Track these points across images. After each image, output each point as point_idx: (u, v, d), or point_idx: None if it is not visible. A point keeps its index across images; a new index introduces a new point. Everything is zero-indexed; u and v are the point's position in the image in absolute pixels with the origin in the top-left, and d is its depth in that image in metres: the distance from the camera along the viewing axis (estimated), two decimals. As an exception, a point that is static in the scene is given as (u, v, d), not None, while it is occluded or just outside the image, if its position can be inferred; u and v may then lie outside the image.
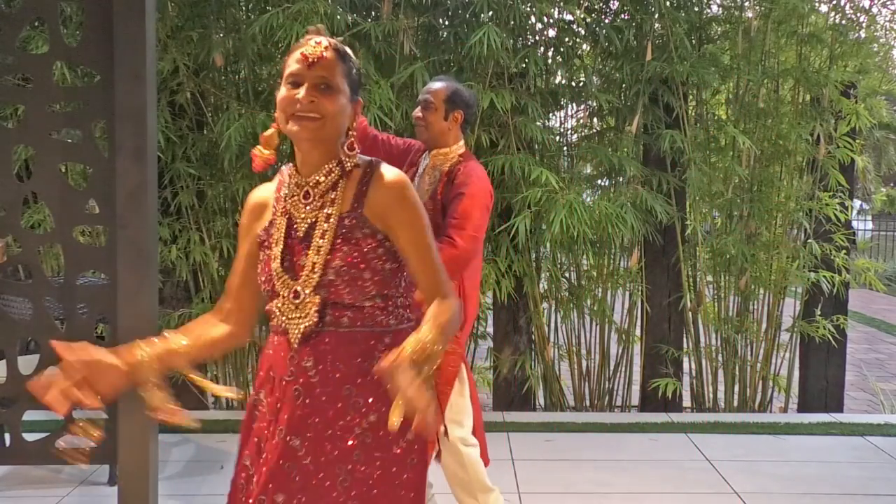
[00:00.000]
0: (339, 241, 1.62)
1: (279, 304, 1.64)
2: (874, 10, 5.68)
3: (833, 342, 5.33)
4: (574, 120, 5.76)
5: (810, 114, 5.27)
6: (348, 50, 1.68)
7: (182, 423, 1.60)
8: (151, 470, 2.76)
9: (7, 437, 3.19)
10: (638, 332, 5.44)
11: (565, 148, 5.59)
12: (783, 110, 5.33)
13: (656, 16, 5.05)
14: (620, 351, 5.43)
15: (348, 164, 1.67)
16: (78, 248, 3.04)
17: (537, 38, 5.28)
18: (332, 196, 1.65)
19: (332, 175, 1.66)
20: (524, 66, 4.95)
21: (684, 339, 5.41)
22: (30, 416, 3.03)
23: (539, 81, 5.06)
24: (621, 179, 5.30)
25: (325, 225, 1.63)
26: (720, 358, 5.41)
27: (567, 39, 5.31)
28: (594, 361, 5.42)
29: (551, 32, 5.30)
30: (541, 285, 5.31)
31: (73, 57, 3.19)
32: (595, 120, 5.65)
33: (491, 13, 4.81)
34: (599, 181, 5.58)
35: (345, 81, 1.64)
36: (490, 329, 5.40)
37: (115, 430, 2.77)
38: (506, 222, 4.82)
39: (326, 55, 1.62)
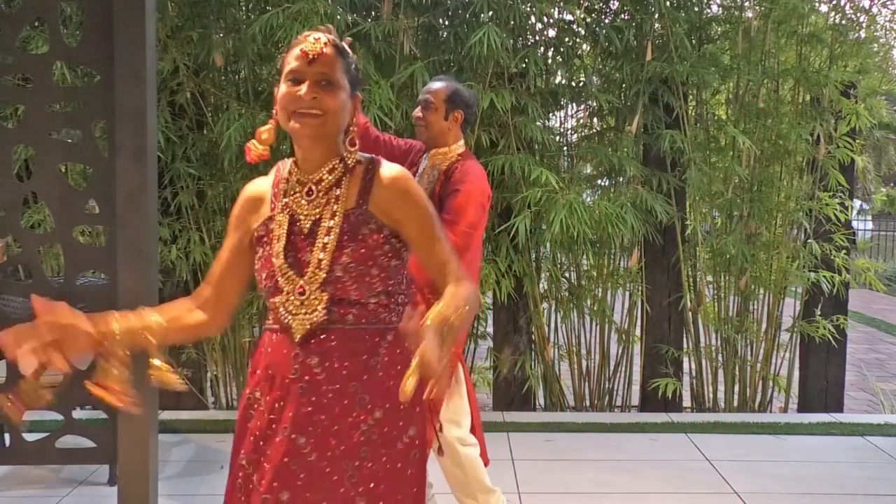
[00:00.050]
0: (345, 237, 1.62)
1: (283, 301, 1.64)
2: (874, 10, 5.69)
3: (833, 342, 5.33)
4: (574, 120, 5.76)
5: (810, 114, 5.26)
6: (346, 46, 1.69)
7: (121, 405, 1.56)
8: (151, 470, 2.76)
9: (7, 437, 3.19)
10: (638, 332, 5.44)
11: (565, 148, 5.59)
12: (783, 110, 5.33)
13: (656, 16, 5.05)
14: (620, 351, 5.43)
15: (350, 161, 1.67)
16: (78, 248, 3.05)
17: (537, 38, 5.28)
18: (337, 193, 1.65)
19: (336, 172, 1.67)
20: (524, 66, 4.95)
21: (684, 339, 5.41)
22: (30, 416, 3.03)
23: (539, 81, 5.06)
24: (621, 179, 5.30)
25: (331, 222, 1.63)
26: (720, 358, 5.41)
27: (567, 39, 5.31)
28: (594, 361, 5.42)
29: (551, 32, 5.30)
30: (541, 285, 5.31)
31: (73, 57, 3.19)
32: (595, 120, 5.65)
33: (491, 13, 4.81)
34: (599, 181, 5.58)
35: (345, 77, 1.65)
36: (490, 329, 5.40)
37: (115, 430, 2.77)
38: (506, 222, 4.82)
39: (326, 51, 1.62)
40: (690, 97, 5.37)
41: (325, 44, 1.63)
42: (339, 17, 4.61)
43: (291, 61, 1.63)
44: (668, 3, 5.03)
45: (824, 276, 5.23)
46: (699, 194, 5.36)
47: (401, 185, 1.67)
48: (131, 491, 2.74)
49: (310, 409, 1.61)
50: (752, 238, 5.29)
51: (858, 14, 5.37)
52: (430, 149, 2.98)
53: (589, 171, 5.69)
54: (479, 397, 5.63)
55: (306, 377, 1.62)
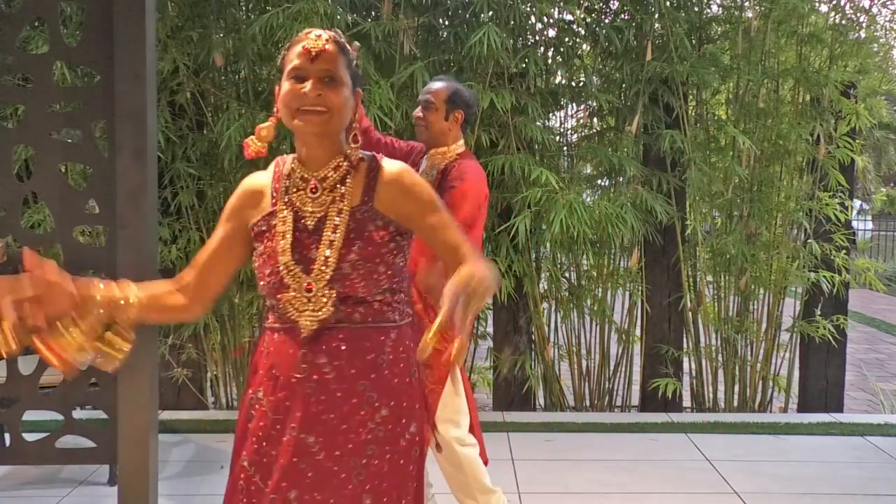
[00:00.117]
0: (351, 234, 1.63)
1: (289, 298, 1.63)
2: (874, 10, 5.69)
3: (833, 342, 5.33)
4: (574, 120, 5.76)
5: (810, 114, 5.26)
6: (346, 42, 1.70)
7: (58, 368, 1.52)
8: (151, 470, 2.75)
9: (7, 437, 3.19)
10: (638, 332, 5.44)
11: (565, 148, 5.59)
12: (783, 110, 5.33)
13: (656, 16, 5.05)
14: (620, 351, 5.43)
15: (354, 158, 1.68)
16: (78, 248, 3.04)
17: (537, 38, 5.28)
18: (342, 191, 1.66)
19: (341, 170, 1.67)
20: (524, 66, 4.95)
21: (684, 339, 5.41)
22: (30, 416, 3.03)
23: (539, 81, 5.06)
24: (621, 179, 5.30)
25: (337, 219, 1.64)
26: (720, 358, 5.41)
27: (567, 39, 5.31)
28: (594, 361, 5.42)
29: (551, 32, 5.30)
30: (541, 285, 5.31)
31: (73, 57, 3.19)
32: (595, 120, 5.65)
33: (491, 13, 4.81)
34: (599, 181, 5.58)
35: (347, 73, 1.65)
36: (490, 329, 5.40)
37: (115, 430, 2.77)
38: (506, 222, 4.82)
39: (329, 48, 1.62)
40: (690, 97, 5.37)
41: (327, 40, 1.63)
42: (339, 17, 4.61)
43: (294, 59, 1.63)
44: (668, 3, 5.03)
45: (824, 276, 5.23)
46: (699, 194, 5.36)
47: (405, 180, 1.68)
48: (131, 491, 2.74)
49: (319, 408, 1.62)
50: (752, 238, 5.29)
51: (858, 14, 5.37)
52: (429, 149, 2.98)
53: (589, 171, 5.69)
54: (479, 397, 5.67)
55: (315, 376, 1.62)
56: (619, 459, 4.25)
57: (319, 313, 1.62)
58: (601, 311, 5.29)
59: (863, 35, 5.45)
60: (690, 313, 5.37)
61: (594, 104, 5.44)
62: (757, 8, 5.28)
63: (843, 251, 5.32)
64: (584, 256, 5.23)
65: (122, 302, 1.59)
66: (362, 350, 1.64)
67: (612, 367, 5.43)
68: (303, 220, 1.66)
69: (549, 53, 5.27)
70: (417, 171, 2.98)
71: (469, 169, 2.88)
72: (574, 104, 5.60)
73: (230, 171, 4.82)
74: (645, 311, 5.34)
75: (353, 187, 1.66)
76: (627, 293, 5.44)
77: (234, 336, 5.07)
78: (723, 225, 5.47)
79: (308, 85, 1.60)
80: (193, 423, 4.68)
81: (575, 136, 5.71)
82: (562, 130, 5.69)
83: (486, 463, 2.98)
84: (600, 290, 5.34)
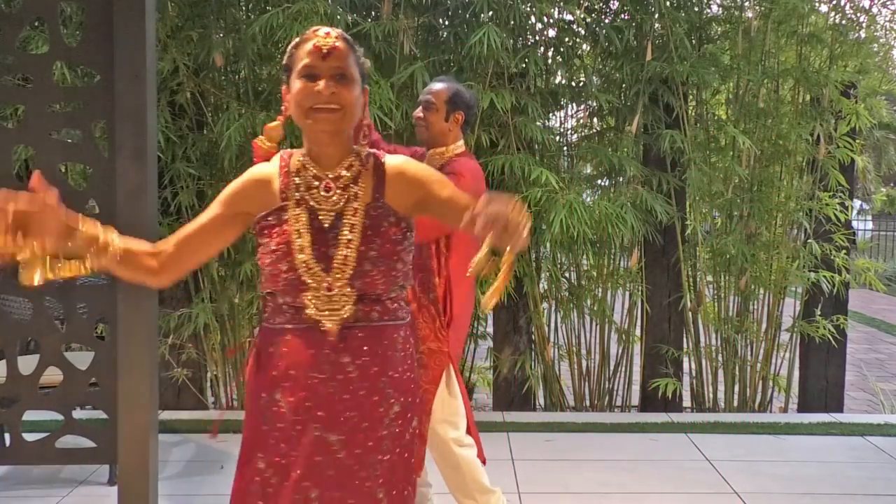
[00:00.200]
0: (368, 232, 1.64)
1: (310, 298, 1.63)
2: (874, 10, 5.69)
3: (833, 342, 5.33)
4: (574, 120, 5.76)
5: (810, 114, 5.26)
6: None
7: (28, 282, 1.51)
8: (151, 470, 2.76)
9: (7, 437, 3.19)
10: (638, 332, 5.44)
11: (565, 148, 5.58)
12: (783, 110, 5.33)
13: (656, 16, 5.05)
14: (620, 351, 5.43)
15: (364, 156, 1.70)
16: (78, 248, 3.04)
17: (537, 38, 5.28)
18: (355, 189, 1.66)
19: (353, 168, 1.68)
20: (524, 66, 4.94)
21: (684, 339, 5.41)
22: (30, 416, 3.03)
23: (539, 81, 5.06)
24: (621, 179, 5.30)
25: (354, 218, 1.64)
26: (720, 358, 5.41)
27: (567, 39, 5.31)
28: (594, 361, 5.42)
29: (551, 32, 5.30)
30: (541, 285, 5.31)
31: (73, 57, 3.19)
32: (595, 120, 5.65)
33: (491, 13, 4.81)
34: (599, 181, 5.58)
35: (357, 70, 1.66)
36: (490, 329, 5.40)
37: (115, 430, 2.77)
38: (506, 222, 4.80)
39: (339, 45, 1.62)
40: (690, 97, 5.37)
41: (337, 37, 1.63)
42: (339, 17, 4.61)
43: (304, 57, 1.62)
44: (668, 3, 5.03)
45: (824, 276, 5.23)
46: (699, 194, 5.36)
47: (410, 172, 1.70)
48: (131, 491, 2.74)
49: (342, 406, 1.63)
50: (752, 238, 5.29)
51: (858, 14, 5.37)
52: (429, 149, 2.97)
53: (589, 171, 5.69)
54: (479, 397, 5.67)
55: (339, 376, 1.63)
56: (619, 459, 4.25)
57: (341, 312, 1.62)
58: (601, 311, 5.29)
59: (863, 35, 5.45)
60: (690, 313, 5.37)
61: (594, 104, 5.44)
62: (757, 8, 5.28)
63: (843, 251, 5.32)
64: (584, 256, 5.23)
65: (102, 243, 1.57)
66: (382, 348, 1.66)
67: (612, 367, 5.43)
68: (319, 219, 1.65)
69: (549, 53, 5.27)
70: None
71: (467, 166, 2.88)
72: (574, 104, 5.60)
73: (230, 171, 4.81)
74: (645, 311, 5.33)
75: (364, 185, 1.67)
76: (627, 293, 5.44)
77: (233, 336, 5.07)
78: (723, 225, 5.47)
79: (321, 83, 1.59)
80: (193, 423, 4.68)
81: (575, 136, 5.71)
82: (562, 130, 5.69)
83: (483, 463, 2.98)
84: (600, 290, 5.34)
